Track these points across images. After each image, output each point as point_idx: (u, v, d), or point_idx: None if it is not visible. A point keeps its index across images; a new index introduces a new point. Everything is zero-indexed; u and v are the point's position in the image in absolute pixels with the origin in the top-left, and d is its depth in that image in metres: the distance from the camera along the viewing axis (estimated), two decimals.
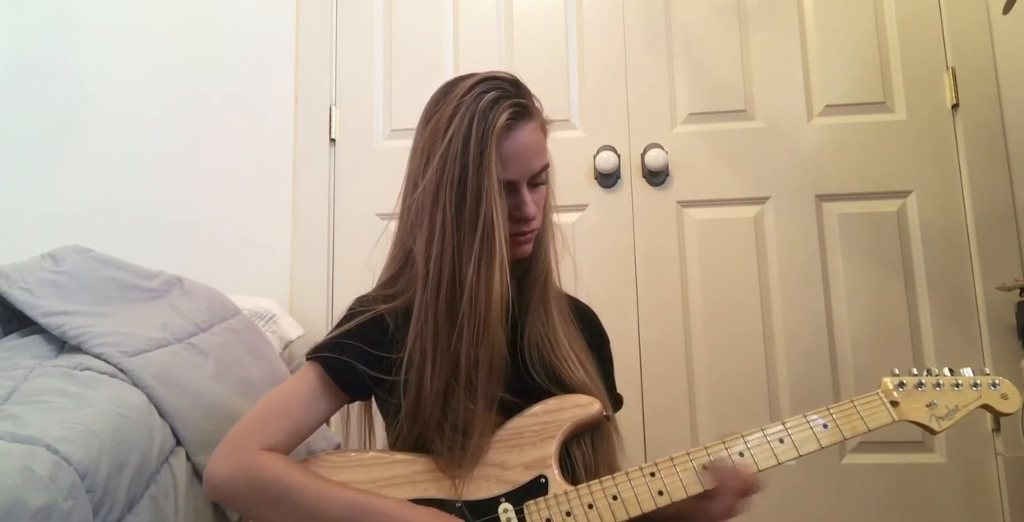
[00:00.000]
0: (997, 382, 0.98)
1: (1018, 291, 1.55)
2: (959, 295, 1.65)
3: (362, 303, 1.01)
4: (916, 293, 1.67)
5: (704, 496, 0.91)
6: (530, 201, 0.97)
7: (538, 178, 0.99)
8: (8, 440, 0.83)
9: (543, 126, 1.01)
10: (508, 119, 0.93)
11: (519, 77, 0.99)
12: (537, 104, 1.00)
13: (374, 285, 1.05)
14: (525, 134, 0.96)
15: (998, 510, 1.58)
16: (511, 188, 0.96)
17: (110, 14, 2.01)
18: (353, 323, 0.97)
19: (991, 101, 1.69)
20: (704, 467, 0.91)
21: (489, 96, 0.93)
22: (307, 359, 0.98)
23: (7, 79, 2.03)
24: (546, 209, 1.04)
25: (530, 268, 1.02)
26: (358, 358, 0.95)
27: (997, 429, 1.60)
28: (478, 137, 0.91)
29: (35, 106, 2.00)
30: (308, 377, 0.96)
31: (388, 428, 1.02)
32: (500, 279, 0.92)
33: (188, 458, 1.10)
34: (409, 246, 0.99)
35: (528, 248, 1.01)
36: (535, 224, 1.00)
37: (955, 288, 1.65)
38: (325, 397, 0.96)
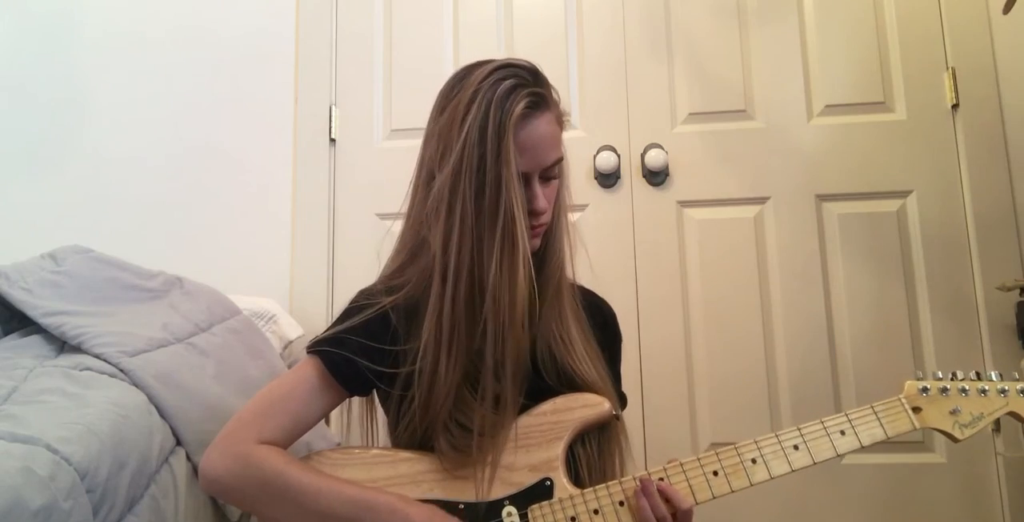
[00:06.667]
0: None
1: (1018, 291, 1.55)
2: (959, 295, 1.65)
3: (366, 296, 0.98)
4: (916, 293, 1.67)
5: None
6: (540, 194, 0.94)
7: (551, 171, 0.96)
8: (8, 440, 0.83)
9: (559, 118, 0.97)
10: (525, 108, 0.89)
11: (538, 66, 0.95)
12: (555, 95, 0.96)
13: (379, 275, 1.02)
14: (541, 125, 0.92)
15: (998, 510, 1.57)
16: (523, 180, 0.92)
17: (110, 14, 2.01)
18: (356, 318, 0.95)
19: (991, 101, 1.68)
20: (637, 489, 0.88)
21: (507, 83, 0.89)
22: (307, 352, 0.96)
23: (7, 79, 2.03)
24: (559, 204, 1.00)
25: (544, 264, 0.98)
26: (359, 353, 0.93)
27: (997, 429, 1.60)
28: (495, 126, 0.87)
29: (35, 106, 2.00)
30: (307, 371, 0.94)
31: (390, 424, 0.99)
32: (524, 275, 0.88)
33: (188, 458, 1.10)
34: (423, 236, 0.95)
35: (536, 242, 0.97)
36: (544, 218, 0.96)
37: (955, 288, 1.65)
38: (325, 392, 0.94)
